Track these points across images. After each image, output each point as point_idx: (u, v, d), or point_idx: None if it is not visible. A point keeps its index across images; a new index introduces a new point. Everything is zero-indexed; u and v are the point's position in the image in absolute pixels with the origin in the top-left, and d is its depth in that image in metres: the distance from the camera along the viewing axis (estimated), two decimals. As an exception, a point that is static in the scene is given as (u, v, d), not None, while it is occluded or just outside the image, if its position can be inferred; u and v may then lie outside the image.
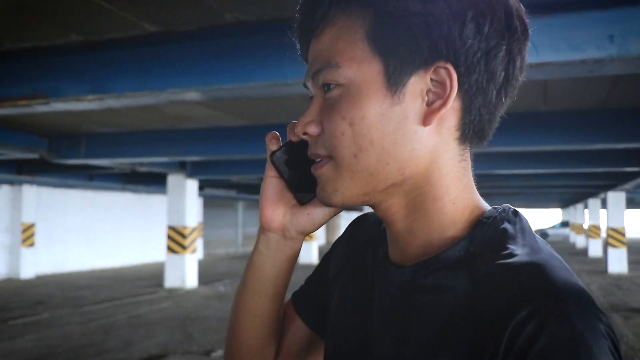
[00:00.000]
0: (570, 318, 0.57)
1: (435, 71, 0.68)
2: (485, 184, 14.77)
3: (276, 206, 0.85)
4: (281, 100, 6.07)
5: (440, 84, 0.69)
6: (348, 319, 0.83)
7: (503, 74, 0.70)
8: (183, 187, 12.11)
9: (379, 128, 0.69)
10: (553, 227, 42.26)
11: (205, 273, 14.80)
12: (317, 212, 0.83)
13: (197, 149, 8.22)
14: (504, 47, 0.68)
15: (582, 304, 0.59)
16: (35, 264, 15.15)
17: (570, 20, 2.86)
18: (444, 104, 0.68)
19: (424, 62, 0.68)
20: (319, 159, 0.75)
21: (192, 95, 3.85)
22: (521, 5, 0.72)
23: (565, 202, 30.52)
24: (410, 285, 0.72)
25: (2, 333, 7.70)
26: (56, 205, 16.27)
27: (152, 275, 14.95)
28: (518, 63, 0.71)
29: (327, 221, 0.85)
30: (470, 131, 0.72)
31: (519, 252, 0.66)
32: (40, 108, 4.28)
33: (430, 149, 0.70)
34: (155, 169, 11.30)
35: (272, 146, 0.83)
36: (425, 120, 0.69)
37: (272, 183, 0.85)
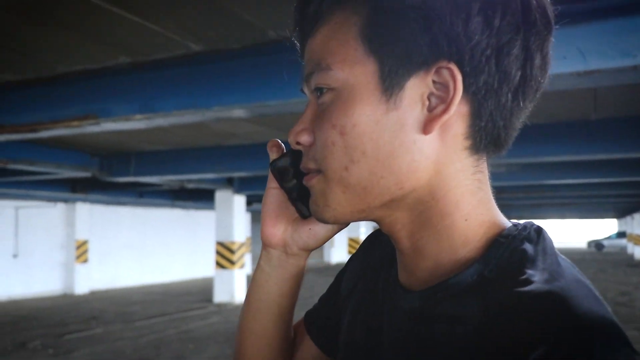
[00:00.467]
0: (594, 357, 0.48)
1: (437, 72, 0.60)
2: (535, 194, 14.47)
3: (277, 220, 0.79)
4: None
5: (443, 86, 0.60)
6: (358, 343, 0.75)
7: (519, 73, 0.61)
8: (230, 202, 12.24)
9: (373, 137, 0.61)
10: (609, 238, 41.11)
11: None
12: (320, 226, 0.76)
13: (243, 165, 8.30)
14: (518, 43, 0.60)
15: (610, 340, 0.50)
16: (88, 279, 15.52)
17: (619, 26, 2.78)
18: (446, 109, 0.60)
19: (423, 61, 0.60)
20: (309, 173, 0.68)
21: (237, 112, 3.89)
22: None
23: (621, 212, 29.66)
24: (418, 313, 0.64)
25: (58, 347, 7.90)
26: (108, 222, 16.66)
27: (201, 291, 15.12)
28: (537, 61, 0.62)
29: (332, 236, 0.78)
30: (483, 139, 0.63)
31: (537, 278, 0.57)
32: (91, 128, 4.40)
33: (433, 160, 0.62)
34: (203, 186, 11.46)
35: (273, 155, 0.77)
36: (426, 127, 0.61)
37: (273, 195, 0.79)
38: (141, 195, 14.34)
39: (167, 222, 18.69)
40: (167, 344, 8.08)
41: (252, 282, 0.85)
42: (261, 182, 11.74)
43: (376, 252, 0.83)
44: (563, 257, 0.64)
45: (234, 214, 12.32)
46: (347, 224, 0.73)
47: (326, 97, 0.64)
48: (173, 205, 17.05)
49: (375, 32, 0.61)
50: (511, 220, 0.68)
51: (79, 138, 7.26)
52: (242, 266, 12.81)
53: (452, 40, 0.59)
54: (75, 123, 4.28)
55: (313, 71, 0.65)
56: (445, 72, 0.60)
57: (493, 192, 0.69)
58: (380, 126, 0.61)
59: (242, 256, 12.79)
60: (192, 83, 3.87)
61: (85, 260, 15.42)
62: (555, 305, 0.53)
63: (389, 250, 0.79)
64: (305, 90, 0.69)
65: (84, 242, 15.45)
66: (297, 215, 0.78)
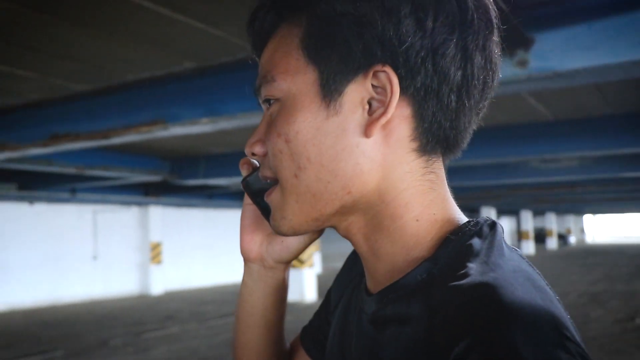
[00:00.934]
0: (516, 347, 0.47)
1: (375, 76, 0.61)
2: (612, 187, 13.92)
3: (253, 235, 0.81)
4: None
5: (382, 89, 0.62)
6: (335, 351, 0.77)
7: (459, 73, 0.62)
8: (298, 202, 12.33)
9: (315, 143, 0.63)
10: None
11: (325, 287, 14.93)
12: (292, 239, 0.78)
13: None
14: (453, 43, 0.61)
15: (534, 329, 0.49)
16: (163, 280, 15.99)
17: None
18: (384, 112, 0.61)
19: (359, 66, 0.61)
20: (268, 181, 0.70)
21: (300, 112, 3.91)
22: None
23: None
24: (375, 316, 0.65)
25: (137, 345, 8.19)
26: (180, 224, 17.10)
27: (272, 290, 15.27)
28: (478, 60, 0.62)
29: (305, 249, 0.80)
30: (430, 141, 0.64)
31: (474, 271, 0.56)
32: (160, 133, 4.53)
33: (379, 163, 0.63)
34: (271, 186, 11.57)
35: (244, 172, 0.77)
36: (367, 130, 0.62)
37: (248, 211, 0.82)
38: (211, 197, 14.64)
39: (236, 223, 18.92)
40: (239, 343, 8.22)
41: (239, 297, 0.88)
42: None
43: (359, 264, 0.81)
44: (514, 248, 0.64)
45: (301, 213, 12.40)
46: (317, 235, 0.76)
47: (273, 108, 0.67)
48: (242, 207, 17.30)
49: (312, 42, 0.63)
50: (477, 218, 0.67)
51: (149, 143, 7.48)
52: (311, 265, 12.89)
53: (384, 44, 0.60)
54: (144, 128, 4.42)
55: (261, 84, 0.67)
56: (382, 76, 0.61)
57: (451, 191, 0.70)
58: (321, 132, 0.62)
59: (311, 255, 12.87)
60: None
61: (160, 262, 15.89)
62: (484, 296, 0.52)
63: None
64: (260, 102, 0.70)
65: (158, 244, 15.92)
66: (271, 229, 0.78)
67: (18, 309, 12.74)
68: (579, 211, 39.44)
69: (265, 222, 0.79)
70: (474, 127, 0.68)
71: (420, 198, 0.65)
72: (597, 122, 6.37)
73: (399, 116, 0.62)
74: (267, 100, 0.67)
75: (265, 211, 0.75)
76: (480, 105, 0.66)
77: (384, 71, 0.61)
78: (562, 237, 41.59)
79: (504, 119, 6.55)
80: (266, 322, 0.86)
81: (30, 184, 9.97)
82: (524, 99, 5.51)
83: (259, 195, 0.75)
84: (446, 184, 0.68)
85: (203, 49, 3.79)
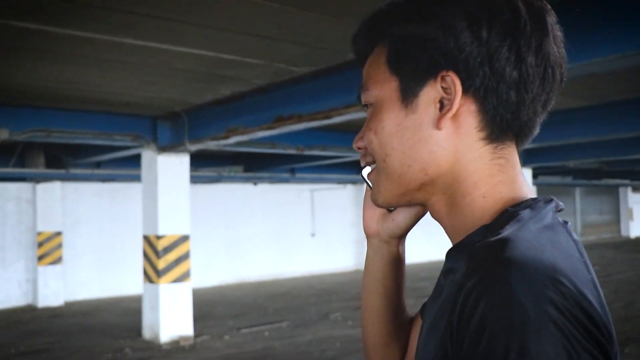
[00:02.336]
0: (510, 284, 0.59)
1: (443, 80, 0.74)
2: None
3: (372, 215, 0.97)
4: (625, 75, 5.41)
5: (449, 90, 0.74)
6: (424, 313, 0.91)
7: (515, 72, 0.73)
8: (515, 176, 11.76)
9: (397, 135, 0.78)
10: None
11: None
12: (400, 217, 0.94)
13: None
14: (505, 49, 0.72)
15: (529, 273, 0.60)
16: (378, 256, 16.30)
17: None
18: (450, 108, 0.74)
19: (428, 74, 0.75)
20: (372, 165, 0.85)
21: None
22: (538, 2, 0.75)
23: None
24: (443, 270, 0.80)
25: (356, 319, 8.44)
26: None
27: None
28: (531, 60, 0.73)
29: (412, 225, 0.95)
30: (495, 131, 0.76)
31: (506, 230, 0.68)
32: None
33: (450, 150, 0.76)
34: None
35: (362, 164, 0.89)
36: (438, 124, 0.75)
37: (368, 196, 0.95)
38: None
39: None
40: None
41: (364, 267, 1.03)
42: (548, 153, 11.03)
43: None
44: (565, 222, 0.74)
45: (519, 188, 11.78)
46: (421, 214, 0.93)
47: (369, 110, 0.83)
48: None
49: (393, 58, 0.79)
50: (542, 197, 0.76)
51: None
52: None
53: (447, 54, 0.74)
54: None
55: (360, 92, 0.84)
56: (448, 79, 0.74)
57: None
58: (402, 127, 0.78)
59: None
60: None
61: (374, 238, 16.20)
62: (499, 246, 0.64)
63: None
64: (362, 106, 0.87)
65: (372, 221, 16.24)
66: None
67: (247, 281, 13.83)
68: None
69: None
70: (542, 117, 0.79)
71: (488, 179, 0.77)
72: None
73: (466, 111, 0.75)
74: (365, 105, 0.84)
75: None
76: (543, 97, 0.76)
77: (449, 75, 0.74)
78: None
79: None
80: (385, 289, 1.00)
81: (254, 166, 10.69)
82: None
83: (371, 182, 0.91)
84: (518, 168, 0.79)
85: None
